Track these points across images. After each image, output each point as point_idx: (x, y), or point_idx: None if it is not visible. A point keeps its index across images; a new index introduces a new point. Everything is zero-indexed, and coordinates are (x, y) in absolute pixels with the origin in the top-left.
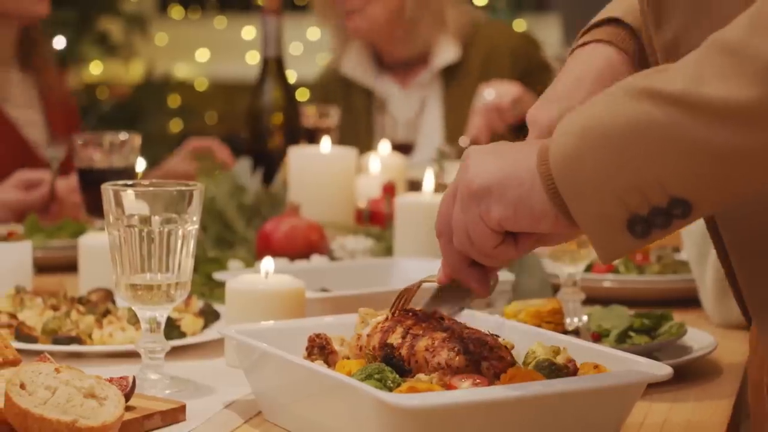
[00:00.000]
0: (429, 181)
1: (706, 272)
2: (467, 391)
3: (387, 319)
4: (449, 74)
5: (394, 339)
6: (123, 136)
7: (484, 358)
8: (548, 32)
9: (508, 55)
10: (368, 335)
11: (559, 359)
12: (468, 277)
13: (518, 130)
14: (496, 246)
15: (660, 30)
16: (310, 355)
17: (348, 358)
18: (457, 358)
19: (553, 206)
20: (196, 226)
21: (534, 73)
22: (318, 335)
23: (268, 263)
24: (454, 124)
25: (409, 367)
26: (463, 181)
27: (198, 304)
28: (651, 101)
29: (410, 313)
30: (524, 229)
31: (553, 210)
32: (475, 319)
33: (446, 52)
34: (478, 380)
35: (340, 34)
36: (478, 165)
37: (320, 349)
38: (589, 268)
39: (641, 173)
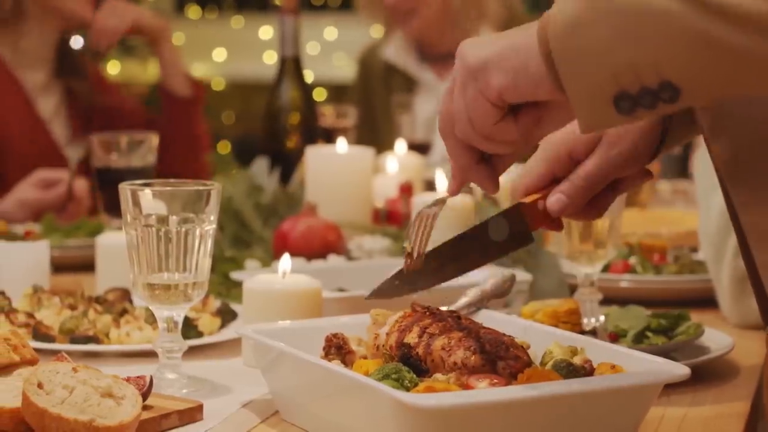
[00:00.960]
0: (441, 181)
1: (722, 272)
2: (484, 391)
3: (403, 317)
4: None
5: (411, 338)
6: (140, 135)
7: (500, 358)
8: None
9: None
10: (386, 334)
11: (577, 359)
12: (476, 174)
13: None
14: (496, 122)
15: (715, 144)
16: (327, 354)
17: (365, 358)
18: (473, 357)
19: (547, 71)
20: (214, 226)
21: None
22: (335, 335)
23: (285, 262)
24: None
25: (426, 366)
26: (459, 67)
27: (215, 303)
28: None
29: (427, 312)
30: (524, 96)
31: (547, 75)
32: (491, 319)
33: None
34: (495, 380)
35: (385, 23)
36: (473, 46)
37: (337, 348)
38: (606, 269)
39: (639, 52)
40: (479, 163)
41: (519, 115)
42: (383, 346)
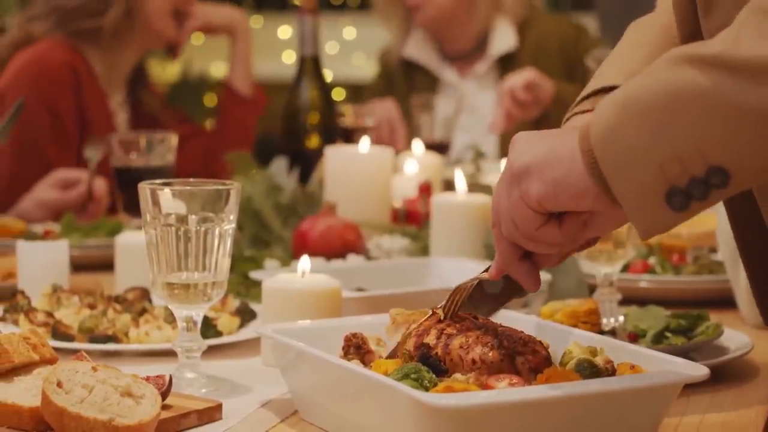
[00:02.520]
0: (460, 181)
1: (740, 273)
2: (504, 391)
3: (433, 316)
4: (505, 64)
5: (429, 340)
6: (160, 135)
7: (519, 353)
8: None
9: (557, 44)
10: (399, 342)
11: (599, 360)
12: (517, 270)
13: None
14: (538, 227)
15: (709, 16)
16: (346, 354)
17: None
18: (491, 353)
19: (593, 181)
20: (233, 225)
21: (578, 65)
22: (354, 335)
23: (305, 262)
24: None
25: (446, 366)
26: (507, 164)
27: (234, 303)
28: (690, 65)
29: (465, 320)
30: (565, 207)
31: (593, 186)
32: (510, 319)
33: (503, 39)
34: (515, 380)
35: (402, 21)
36: (523, 148)
37: (357, 348)
38: (625, 269)
39: (681, 141)
40: (521, 260)
41: (564, 220)
42: (401, 346)
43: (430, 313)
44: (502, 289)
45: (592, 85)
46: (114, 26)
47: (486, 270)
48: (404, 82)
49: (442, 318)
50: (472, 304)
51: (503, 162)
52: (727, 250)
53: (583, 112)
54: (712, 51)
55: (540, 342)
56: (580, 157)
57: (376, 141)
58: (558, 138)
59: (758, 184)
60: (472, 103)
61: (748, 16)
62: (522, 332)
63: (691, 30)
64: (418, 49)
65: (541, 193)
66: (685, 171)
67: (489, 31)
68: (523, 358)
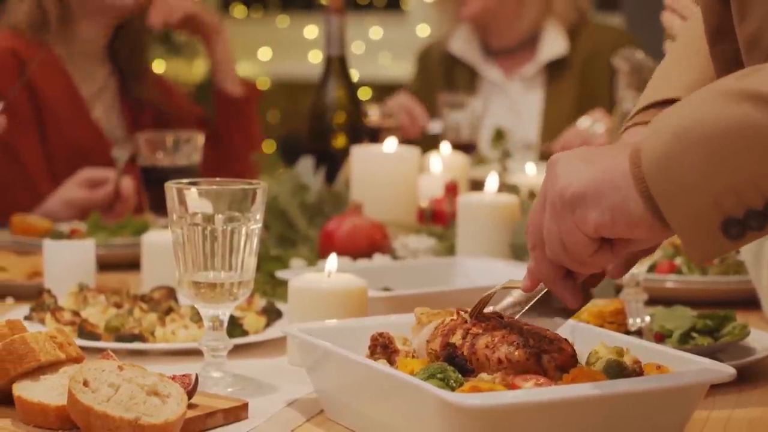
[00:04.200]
0: (492, 183)
1: (762, 274)
2: (530, 391)
3: (459, 318)
4: (554, 69)
5: (455, 339)
6: (186, 134)
7: (545, 351)
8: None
9: (610, 54)
10: (428, 339)
11: (626, 360)
12: (563, 289)
13: None
14: (592, 254)
15: (744, 22)
16: (373, 353)
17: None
18: (517, 352)
19: (648, 209)
20: (260, 225)
21: None
22: (381, 334)
23: (332, 261)
24: (551, 121)
25: (471, 366)
26: (553, 190)
27: (260, 302)
28: (750, 103)
29: (491, 320)
30: (621, 235)
31: (647, 214)
32: (536, 319)
33: (554, 44)
34: (541, 380)
35: (452, 16)
36: (569, 173)
37: (383, 347)
38: (652, 269)
39: (737, 175)
40: (565, 278)
41: (616, 245)
42: (427, 346)
43: (456, 314)
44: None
45: (651, 95)
46: (53, 14)
47: (515, 281)
48: (444, 81)
49: (467, 321)
50: (537, 313)
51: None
52: (749, 251)
53: (643, 123)
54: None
55: (566, 340)
56: (633, 184)
57: (401, 130)
58: (607, 161)
59: None
60: (517, 104)
61: None
62: (547, 330)
63: (717, 25)
64: (463, 46)
65: (598, 221)
66: (741, 203)
67: (538, 32)
68: (549, 356)
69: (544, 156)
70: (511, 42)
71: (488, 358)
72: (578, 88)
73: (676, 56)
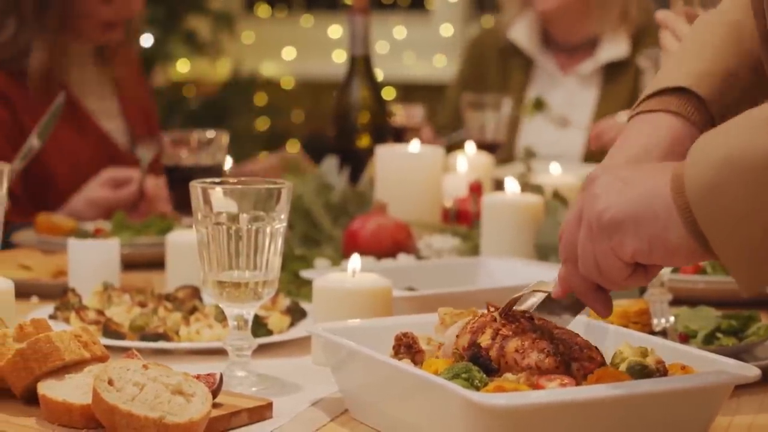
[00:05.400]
0: (511, 185)
1: None
2: (554, 391)
3: (489, 316)
4: (612, 70)
5: (484, 340)
6: (210, 134)
7: (575, 359)
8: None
9: None
10: (457, 335)
11: (650, 360)
12: (594, 301)
13: None
14: (627, 278)
15: None
16: (397, 353)
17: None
18: (547, 359)
19: (692, 238)
20: (284, 224)
21: None
22: (405, 334)
23: (355, 261)
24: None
25: (496, 366)
26: (592, 211)
27: (285, 302)
28: None
29: (520, 321)
30: (658, 262)
31: (690, 242)
32: (546, 316)
33: (615, 46)
34: (565, 380)
35: (514, 3)
36: (608, 194)
37: (407, 347)
38: (676, 269)
39: None
40: (597, 290)
41: (650, 267)
42: (454, 345)
43: (486, 310)
44: (573, 304)
45: (657, 83)
46: (41, 66)
47: (545, 283)
48: (497, 69)
49: (497, 319)
50: (547, 310)
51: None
52: None
53: (648, 111)
54: None
55: (596, 348)
56: (677, 214)
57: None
58: (648, 184)
59: None
60: (572, 99)
61: None
62: (577, 336)
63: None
64: (524, 35)
65: (636, 249)
66: None
67: (602, 35)
68: (579, 364)
69: (588, 151)
70: (574, 39)
71: (518, 362)
72: (634, 90)
73: (686, 47)
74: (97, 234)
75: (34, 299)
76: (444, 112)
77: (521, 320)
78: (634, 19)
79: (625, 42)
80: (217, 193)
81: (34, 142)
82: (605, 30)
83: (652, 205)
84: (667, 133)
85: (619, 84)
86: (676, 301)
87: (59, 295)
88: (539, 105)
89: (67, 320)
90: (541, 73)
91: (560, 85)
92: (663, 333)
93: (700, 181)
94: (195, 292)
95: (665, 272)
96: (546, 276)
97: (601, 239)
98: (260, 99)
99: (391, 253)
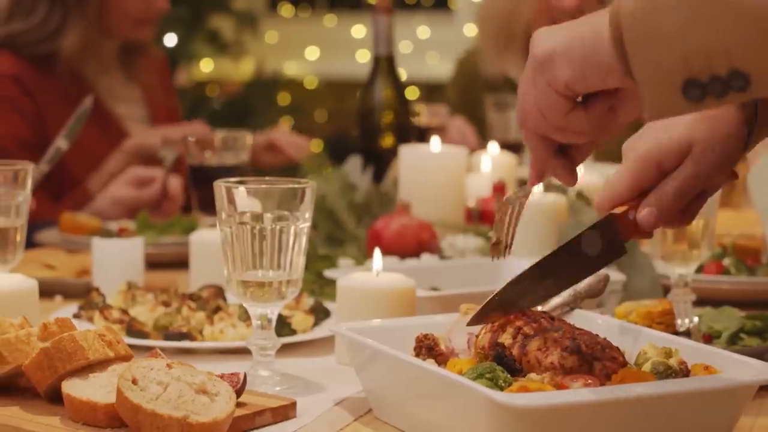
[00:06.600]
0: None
1: None
2: (578, 391)
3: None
4: None
5: (505, 339)
6: (234, 133)
7: (597, 359)
8: None
9: None
10: (477, 335)
11: (672, 361)
12: (553, 165)
13: None
14: (566, 113)
15: None
16: (417, 355)
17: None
18: (570, 358)
19: (617, 57)
20: (308, 224)
21: None
22: (426, 336)
23: (377, 258)
24: None
25: (520, 366)
26: (530, 57)
27: (308, 301)
28: None
29: (520, 312)
30: (592, 86)
31: (617, 63)
32: (585, 319)
33: None
34: (589, 380)
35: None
36: (542, 38)
37: (428, 349)
38: (700, 270)
39: (710, 39)
40: (556, 155)
41: (589, 105)
42: (475, 346)
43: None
44: (600, 251)
45: None
46: (73, 52)
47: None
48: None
49: (500, 246)
50: (572, 267)
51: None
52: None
53: None
54: None
55: (617, 348)
56: (608, 32)
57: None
58: (579, 23)
59: None
60: None
61: None
62: (598, 336)
63: None
64: (513, 65)
65: (568, 74)
66: (708, 67)
67: None
68: (601, 364)
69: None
70: None
71: (540, 361)
72: None
73: None
74: (121, 233)
75: (58, 298)
76: None
77: (542, 320)
78: None
79: None
80: (241, 192)
81: (61, 144)
82: None
83: (580, 32)
84: None
85: None
86: (700, 302)
87: (83, 294)
88: None
89: (91, 319)
90: None
91: None
92: (687, 333)
93: (635, 4)
94: (219, 292)
95: (689, 273)
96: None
97: (538, 78)
98: (283, 99)
99: (415, 253)
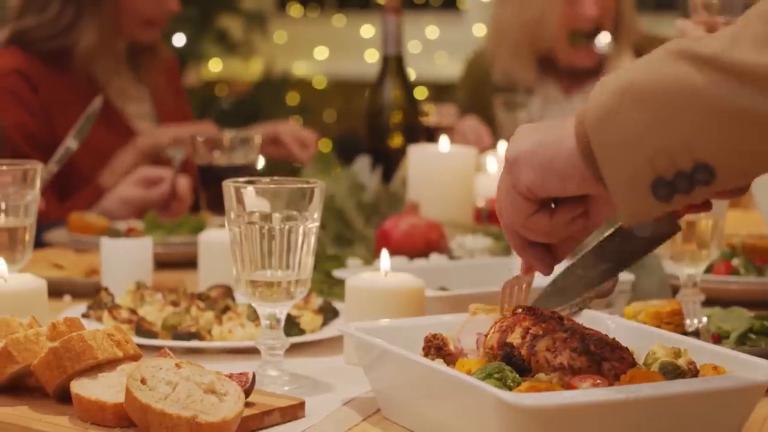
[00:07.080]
0: None
1: None
2: (587, 391)
3: (504, 318)
4: None
5: (514, 339)
6: (243, 133)
7: (606, 359)
8: (670, 34)
9: None
10: (486, 335)
11: (681, 361)
12: (528, 255)
13: None
14: (528, 216)
15: None
16: (426, 355)
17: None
18: (579, 358)
19: (585, 164)
20: (317, 224)
21: None
22: (434, 336)
23: (384, 258)
24: None
25: (529, 366)
26: (504, 157)
27: (317, 301)
28: (687, 62)
29: (528, 312)
30: (552, 192)
31: (580, 169)
32: (594, 319)
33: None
34: (598, 380)
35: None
36: (516, 138)
37: (437, 349)
38: (708, 270)
39: (672, 135)
40: (532, 245)
41: (558, 210)
42: (484, 345)
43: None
44: (652, 233)
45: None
46: (87, 49)
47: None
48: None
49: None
50: (623, 248)
51: None
52: None
53: None
54: (709, 51)
55: (626, 348)
56: (569, 141)
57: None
58: (549, 128)
59: (741, 184)
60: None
61: (750, 20)
62: (607, 336)
63: None
64: (520, 69)
65: (530, 179)
66: (673, 164)
67: (611, 58)
68: (610, 364)
69: None
70: (580, 63)
71: (549, 361)
72: None
73: None
74: (129, 233)
75: (67, 298)
76: None
77: (551, 320)
78: (635, 36)
79: (630, 60)
80: (249, 192)
81: (71, 144)
82: (612, 52)
83: (544, 139)
84: None
85: None
86: (709, 302)
87: (92, 293)
88: (577, 38)
89: (99, 319)
90: (541, 100)
91: (562, 108)
92: (696, 334)
93: (598, 107)
94: (227, 292)
95: (698, 273)
96: None
97: (506, 177)
98: (292, 98)
99: (424, 253)
